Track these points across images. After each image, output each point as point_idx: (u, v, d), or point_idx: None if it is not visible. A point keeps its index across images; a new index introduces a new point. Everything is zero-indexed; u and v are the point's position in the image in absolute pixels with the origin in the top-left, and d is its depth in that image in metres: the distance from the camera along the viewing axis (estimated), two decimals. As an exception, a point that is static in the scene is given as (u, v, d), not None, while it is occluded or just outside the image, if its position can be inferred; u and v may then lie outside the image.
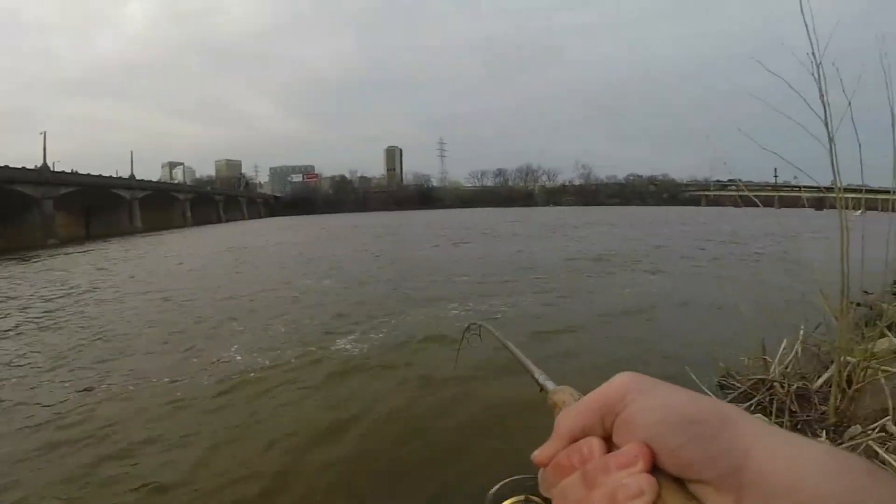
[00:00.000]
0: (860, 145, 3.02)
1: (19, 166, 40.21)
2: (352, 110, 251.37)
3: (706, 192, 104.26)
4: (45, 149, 44.93)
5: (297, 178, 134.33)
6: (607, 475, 0.33)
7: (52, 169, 44.82)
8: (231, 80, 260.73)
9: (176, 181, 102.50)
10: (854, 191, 3.13)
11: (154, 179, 76.91)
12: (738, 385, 4.39)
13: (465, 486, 3.71)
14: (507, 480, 0.60)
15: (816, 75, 3.05)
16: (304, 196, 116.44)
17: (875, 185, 3.18)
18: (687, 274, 13.74)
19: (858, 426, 2.65)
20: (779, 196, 61.52)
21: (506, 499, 0.60)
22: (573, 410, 0.39)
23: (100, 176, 52.87)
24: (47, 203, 41.07)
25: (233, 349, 7.35)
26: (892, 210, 2.69)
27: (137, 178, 59.43)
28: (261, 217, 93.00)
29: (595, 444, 0.36)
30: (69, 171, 48.69)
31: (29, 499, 3.79)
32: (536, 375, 0.61)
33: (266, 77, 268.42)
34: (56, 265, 21.35)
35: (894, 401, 2.55)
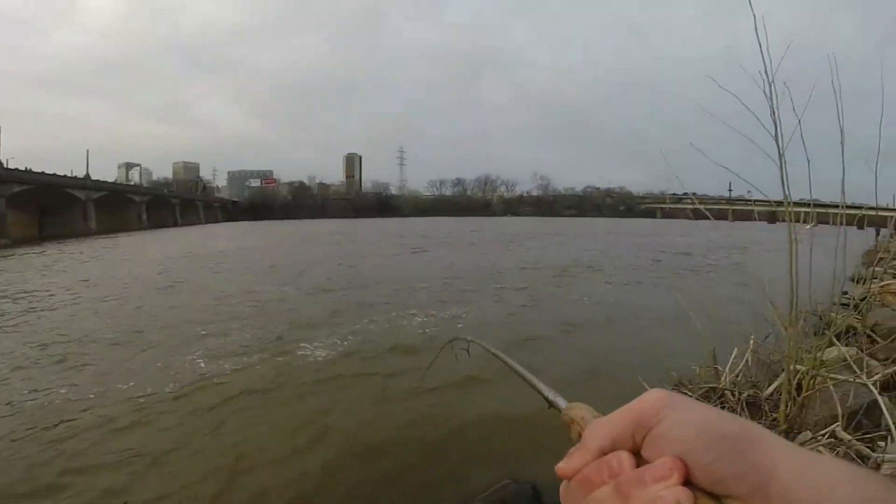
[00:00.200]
0: (809, 161, 3.15)
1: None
2: (312, 116, 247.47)
3: (661, 206, 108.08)
4: (-2, 144, 43.30)
5: (256, 182, 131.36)
6: (642, 488, 0.33)
7: (5, 165, 43.10)
8: (192, 80, 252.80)
9: (132, 182, 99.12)
10: (804, 205, 3.26)
11: (110, 180, 74.00)
12: (690, 394, 4.46)
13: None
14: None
15: (768, 93, 3.17)
16: (262, 201, 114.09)
17: (827, 199, 3.32)
18: (642, 284, 14.14)
19: (809, 432, 2.73)
20: (732, 210, 64.36)
21: None
22: (603, 424, 0.39)
23: (54, 175, 50.94)
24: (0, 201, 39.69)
25: (196, 354, 7.12)
26: (842, 224, 2.81)
27: (93, 178, 57.36)
28: (218, 221, 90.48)
29: (625, 457, 0.36)
30: (23, 168, 46.86)
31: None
32: (546, 392, 0.60)
33: (227, 79, 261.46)
34: (10, 266, 20.25)
35: (843, 407, 2.64)
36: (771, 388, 3.72)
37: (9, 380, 6.32)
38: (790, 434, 3.12)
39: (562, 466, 0.39)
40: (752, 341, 4.33)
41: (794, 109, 3.07)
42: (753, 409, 3.82)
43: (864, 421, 2.70)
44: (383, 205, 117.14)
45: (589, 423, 0.45)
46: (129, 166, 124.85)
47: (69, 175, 54.17)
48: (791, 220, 2.96)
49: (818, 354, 2.84)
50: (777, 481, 0.31)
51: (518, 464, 4.00)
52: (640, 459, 0.36)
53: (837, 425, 2.57)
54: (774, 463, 0.32)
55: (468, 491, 3.77)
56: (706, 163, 3.94)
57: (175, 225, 73.10)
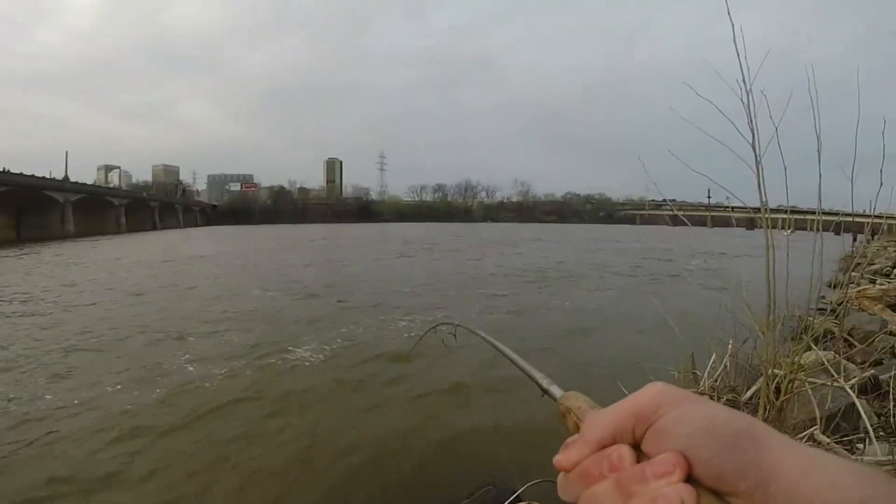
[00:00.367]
0: (786, 168, 3.19)
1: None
2: (293, 120, 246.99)
3: (641, 212, 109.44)
4: (-25, 145, 42.77)
5: (236, 186, 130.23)
6: (644, 484, 0.33)
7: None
8: (173, 83, 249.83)
9: (111, 185, 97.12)
10: (782, 211, 3.30)
11: (89, 182, 72.99)
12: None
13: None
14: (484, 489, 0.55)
15: (746, 101, 3.22)
16: (242, 205, 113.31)
17: (805, 206, 3.38)
18: (621, 289, 14.31)
19: (787, 435, 2.75)
20: (711, 216, 65.22)
21: None
22: (603, 416, 0.38)
23: (33, 176, 50.16)
24: (-24, 203, 38.81)
25: (183, 359, 7.03)
26: (819, 230, 2.86)
27: (72, 180, 56.62)
28: (197, 225, 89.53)
29: (626, 451, 0.35)
30: (1, 169, 46.12)
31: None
32: (539, 380, 0.58)
33: (208, 82, 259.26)
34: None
35: (821, 410, 2.68)
36: (749, 393, 3.75)
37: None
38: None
39: (560, 459, 0.38)
40: (730, 346, 4.37)
41: (770, 117, 3.11)
42: (733, 413, 3.86)
43: (843, 424, 2.74)
44: (364, 210, 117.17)
45: (586, 413, 0.44)
46: (108, 169, 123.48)
47: (47, 177, 53.32)
48: (768, 227, 2.99)
49: (796, 359, 2.87)
50: (780, 478, 0.31)
51: (500, 469, 3.98)
52: (640, 454, 0.35)
53: (816, 428, 2.60)
54: (777, 460, 0.32)
55: (450, 497, 3.75)
56: (686, 169, 3.97)
57: (154, 228, 72.24)
